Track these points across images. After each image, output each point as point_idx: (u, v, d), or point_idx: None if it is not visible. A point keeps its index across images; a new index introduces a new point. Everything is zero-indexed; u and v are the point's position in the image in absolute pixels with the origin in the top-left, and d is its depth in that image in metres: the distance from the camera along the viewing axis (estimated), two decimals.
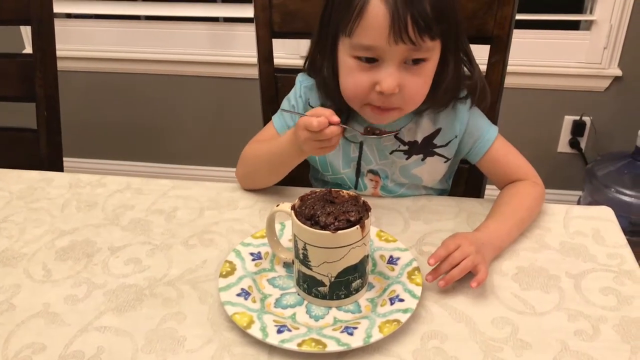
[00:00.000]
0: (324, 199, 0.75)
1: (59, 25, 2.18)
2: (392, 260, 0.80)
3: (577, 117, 2.06)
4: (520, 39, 1.96)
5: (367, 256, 0.75)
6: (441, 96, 0.88)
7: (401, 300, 0.74)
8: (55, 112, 1.36)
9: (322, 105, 0.93)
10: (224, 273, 0.79)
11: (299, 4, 1.14)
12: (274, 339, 0.69)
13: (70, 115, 2.28)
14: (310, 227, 0.70)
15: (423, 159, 0.95)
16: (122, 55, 2.19)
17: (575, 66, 1.99)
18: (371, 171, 0.97)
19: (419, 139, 0.93)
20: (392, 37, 0.77)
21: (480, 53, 1.13)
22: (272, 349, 0.69)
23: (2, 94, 1.34)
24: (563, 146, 2.12)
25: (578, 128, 2.08)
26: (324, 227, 0.70)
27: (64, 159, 1.72)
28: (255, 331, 0.70)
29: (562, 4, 2.10)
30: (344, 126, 0.81)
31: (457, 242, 0.78)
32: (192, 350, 0.70)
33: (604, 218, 0.92)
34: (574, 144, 2.10)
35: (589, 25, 1.94)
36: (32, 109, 1.32)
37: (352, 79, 0.83)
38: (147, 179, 1.03)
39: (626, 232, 1.56)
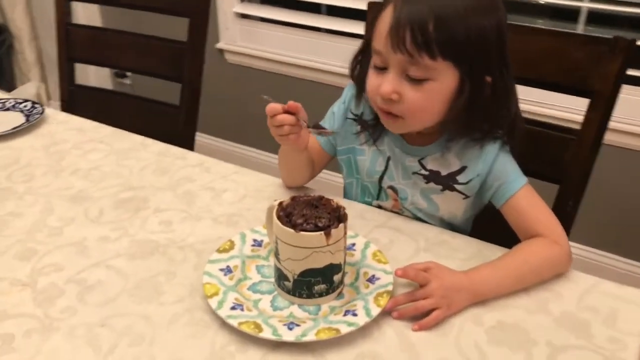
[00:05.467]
0: (309, 202, 0.80)
1: (249, 26, 2.45)
2: (371, 279, 0.82)
3: None
4: None
5: (337, 265, 0.78)
6: (451, 123, 0.88)
7: (354, 314, 0.76)
8: (195, 95, 1.57)
9: (357, 113, 1.00)
10: (221, 249, 0.87)
11: None
12: (224, 312, 0.76)
13: (229, 102, 2.54)
14: (282, 223, 0.76)
15: (442, 190, 0.94)
16: (291, 60, 2.38)
17: None
18: (391, 187, 0.99)
19: (443, 172, 0.93)
20: (390, 44, 0.82)
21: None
22: (223, 322, 0.76)
23: (156, 71, 1.59)
24: None
25: None
26: (294, 226, 0.76)
27: (204, 135, 1.88)
28: (213, 302, 0.77)
29: None
30: (311, 129, 0.92)
31: (429, 278, 0.78)
32: (163, 303, 0.80)
33: (633, 302, 0.83)
34: None
35: None
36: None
37: (368, 82, 0.89)
38: (219, 161, 1.16)
39: None
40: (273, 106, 0.87)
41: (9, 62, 2.90)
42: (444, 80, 0.84)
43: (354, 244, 0.89)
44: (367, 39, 0.93)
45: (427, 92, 0.84)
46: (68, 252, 0.90)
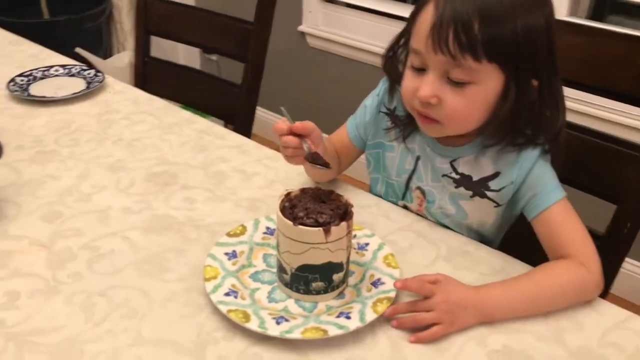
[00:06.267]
0: (317, 196, 0.77)
1: (333, 11, 2.41)
2: (375, 283, 0.79)
3: None
4: None
5: (338, 264, 0.75)
6: (492, 129, 0.82)
7: (348, 317, 0.73)
8: (257, 75, 1.56)
9: (389, 107, 0.95)
10: (231, 233, 0.87)
11: None
12: (217, 297, 0.75)
13: (306, 85, 2.53)
14: (284, 214, 0.74)
15: (472, 196, 0.88)
16: (372, 48, 2.32)
17: None
18: (419, 189, 0.93)
19: (475, 176, 0.87)
20: (431, 45, 0.76)
21: None
22: (215, 307, 0.75)
23: (222, 49, 1.61)
24: None
25: None
26: (294, 219, 0.73)
27: (276, 115, 1.83)
28: (209, 285, 0.77)
29: None
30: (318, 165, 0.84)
31: (435, 290, 0.73)
32: (166, 280, 0.80)
33: None
34: None
35: None
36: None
37: (404, 83, 0.84)
38: (259, 144, 1.15)
39: None
40: (279, 126, 0.84)
41: (108, 30, 3.04)
42: (487, 84, 0.78)
43: (367, 244, 0.85)
44: (402, 35, 0.88)
45: (469, 96, 0.79)
46: (90, 219, 0.92)
